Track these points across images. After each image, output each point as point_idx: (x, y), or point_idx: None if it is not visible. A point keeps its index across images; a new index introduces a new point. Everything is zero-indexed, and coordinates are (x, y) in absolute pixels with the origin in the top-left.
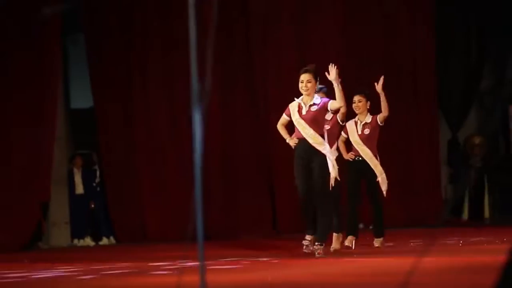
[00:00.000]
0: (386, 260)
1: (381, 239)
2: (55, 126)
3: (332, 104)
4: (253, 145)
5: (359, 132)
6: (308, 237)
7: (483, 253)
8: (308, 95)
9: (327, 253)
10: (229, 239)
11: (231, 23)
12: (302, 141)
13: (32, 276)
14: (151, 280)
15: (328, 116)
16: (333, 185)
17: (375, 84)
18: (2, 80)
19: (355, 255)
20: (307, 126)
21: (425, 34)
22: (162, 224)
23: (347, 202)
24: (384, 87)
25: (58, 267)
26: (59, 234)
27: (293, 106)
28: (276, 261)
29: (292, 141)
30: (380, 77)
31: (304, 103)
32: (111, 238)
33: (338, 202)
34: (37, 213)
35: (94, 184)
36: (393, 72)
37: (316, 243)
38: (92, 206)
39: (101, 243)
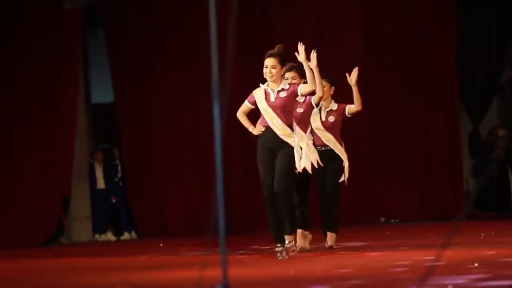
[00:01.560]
0: (408, 253)
1: (334, 235)
2: (75, 120)
3: (303, 88)
4: None
5: (323, 119)
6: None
7: (504, 246)
8: (274, 81)
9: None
10: (249, 232)
11: (250, 17)
12: (269, 129)
13: (54, 271)
14: (173, 274)
15: (301, 98)
16: (310, 172)
17: (347, 75)
18: (22, 74)
19: (376, 248)
20: (275, 115)
21: (446, 27)
22: (183, 218)
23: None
24: (358, 80)
25: (80, 262)
26: (81, 229)
27: (258, 93)
28: (297, 254)
29: (256, 130)
30: (400, 74)
31: (272, 90)
32: (133, 232)
33: (306, 197)
34: (58, 208)
35: (116, 179)
36: (413, 64)
37: (286, 242)
38: (113, 201)
39: (122, 238)
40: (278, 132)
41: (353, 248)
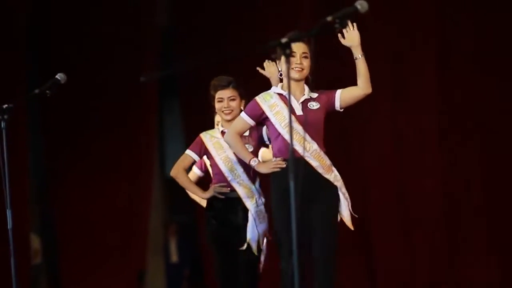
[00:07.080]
0: None
1: None
2: (150, 194)
3: (349, 93)
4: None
5: None
6: None
7: None
8: (300, 79)
9: None
10: None
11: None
12: (298, 162)
13: None
14: None
15: (256, 130)
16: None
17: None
18: (98, 149)
19: None
20: (307, 136)
21: None
22: None
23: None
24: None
25: None
26: None
27: (269, 101)
28: None
29: (274, 164)
30: None
31: (294, 97)
32: None
33: None
34: (133, 281)
35: (190, 252)
36: None
37: None
38: (187, 273)
39: None
40: (313, 164)
41: None
